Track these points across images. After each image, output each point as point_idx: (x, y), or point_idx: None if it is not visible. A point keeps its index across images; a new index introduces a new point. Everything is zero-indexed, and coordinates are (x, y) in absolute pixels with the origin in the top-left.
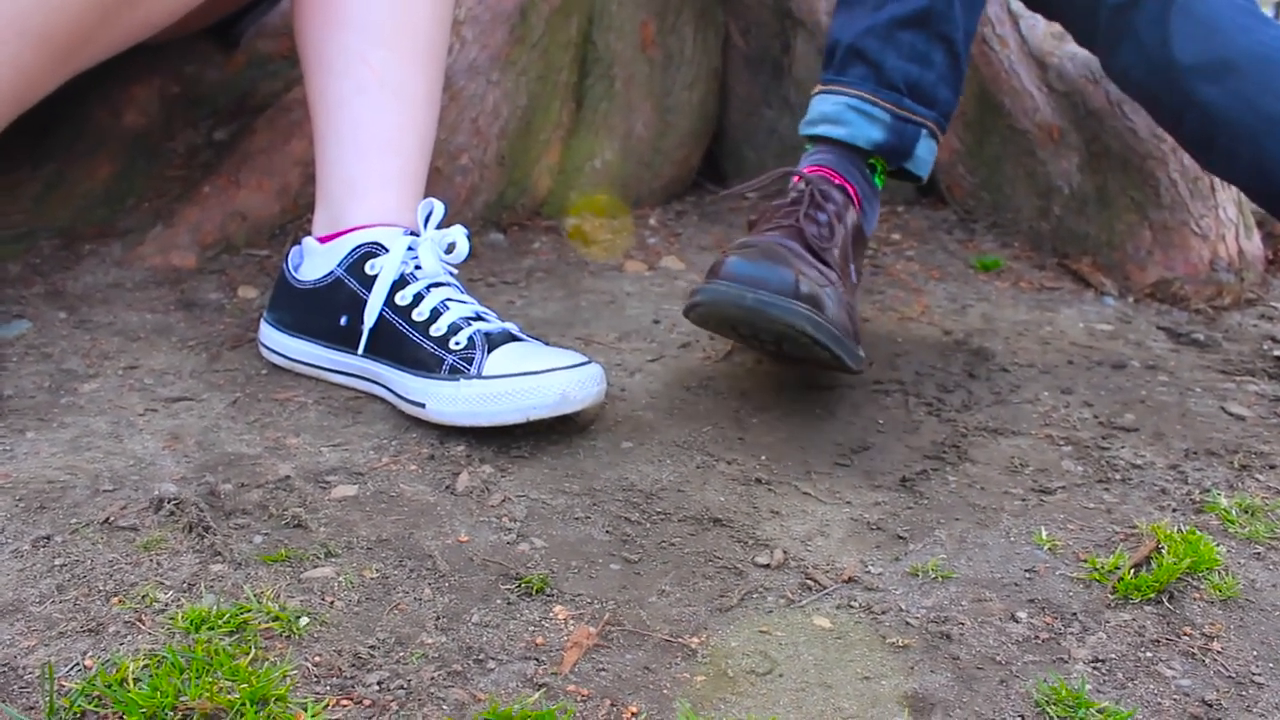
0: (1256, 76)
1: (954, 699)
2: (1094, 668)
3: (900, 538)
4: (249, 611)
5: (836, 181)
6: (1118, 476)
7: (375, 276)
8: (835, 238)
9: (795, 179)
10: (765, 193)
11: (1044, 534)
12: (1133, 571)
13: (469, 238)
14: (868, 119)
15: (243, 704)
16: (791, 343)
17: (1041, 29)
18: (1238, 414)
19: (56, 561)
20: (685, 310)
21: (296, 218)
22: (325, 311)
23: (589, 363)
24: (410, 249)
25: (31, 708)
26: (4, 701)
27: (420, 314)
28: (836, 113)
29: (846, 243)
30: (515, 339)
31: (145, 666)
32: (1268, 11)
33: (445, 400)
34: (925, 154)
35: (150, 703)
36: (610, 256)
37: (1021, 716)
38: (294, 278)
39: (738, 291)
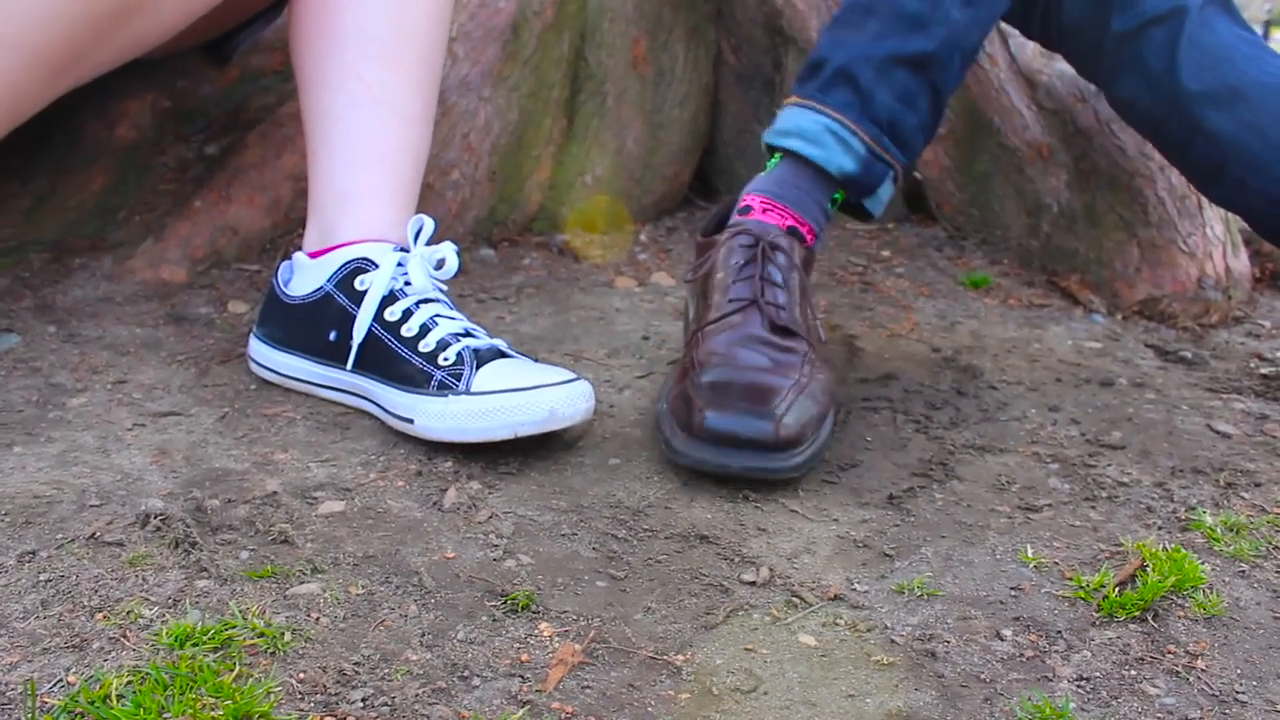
0: (1266, 106)
1: (939, 717)
2: (1078, 686)
3: (886, 555)
4: (234, 628)
5: (787, 223)
6: (1104, 494)
7: (364, 292)
8: (794, 297)
9: (736, 231)
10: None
11: (1030, 552)
12: (1118, 589)
13: (459, 254)
14: (844, 147)
15: None
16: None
17: (1031, 47)
18: (1224, 432)
19: (41, 577)
20: (671, 461)
21: (287, 232)
22: (314, 327)
23: (577, 379)
24: (400, 265)
25: None
26: None
27: (409, 330)
28: (814, 132)
29: (803, 292)
30: (504, 355)
31: (129, 683)
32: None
33: (433, 416)
34: (885, 195)
35: (133, 719)
36: (613, 258)
37: None
38: (284, 293)
39: (721, 460)
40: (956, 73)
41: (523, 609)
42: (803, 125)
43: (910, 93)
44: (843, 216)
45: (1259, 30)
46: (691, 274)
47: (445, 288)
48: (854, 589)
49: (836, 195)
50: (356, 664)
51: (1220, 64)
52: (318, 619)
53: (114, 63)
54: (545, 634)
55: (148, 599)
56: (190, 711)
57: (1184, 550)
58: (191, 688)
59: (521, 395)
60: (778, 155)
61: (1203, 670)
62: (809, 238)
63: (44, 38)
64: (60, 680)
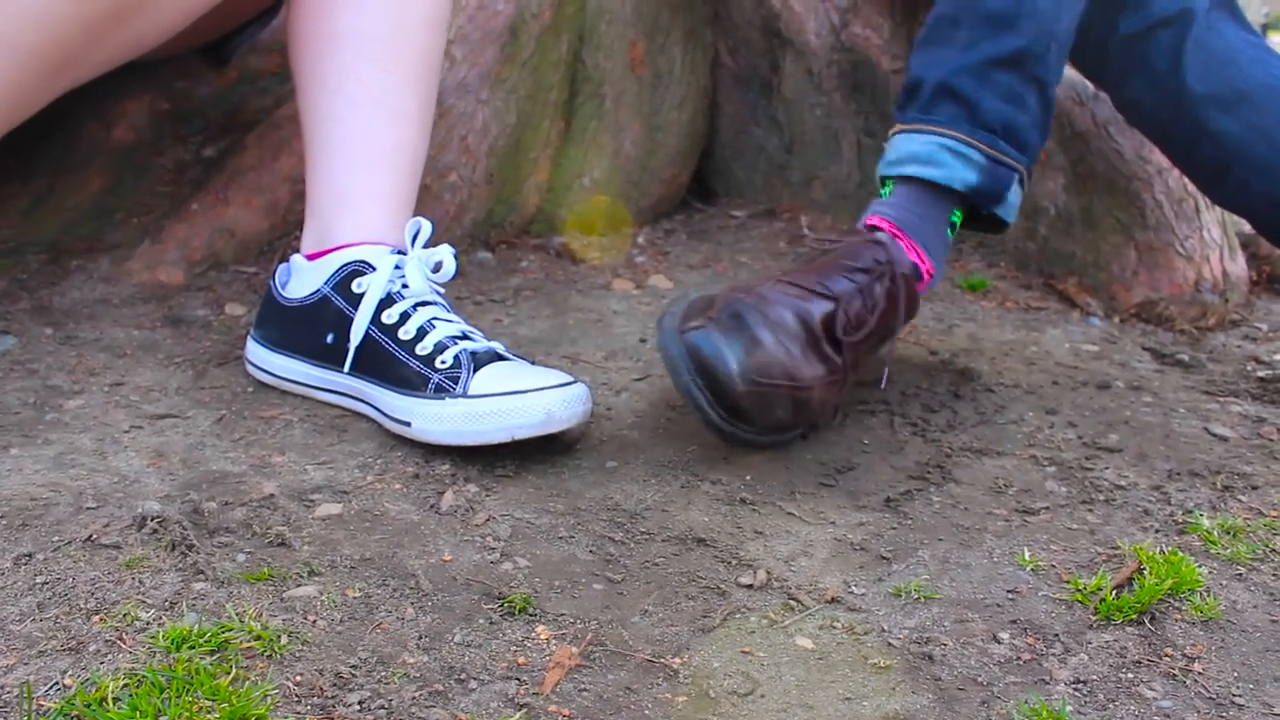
0: (1272, 109)
1: None
2: (1075, 689)
3: (884, 558)
4: (231, 630)
5: (912, 259)
6: (1101, 497)
7: (362, 295)
8: (869, 328)
9: (870, 235)
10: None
11: (1027, 555)
12: (1115, 592)
13: (456, 257)
14: (963, 160)
15: None
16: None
17: None
18: (1221, 435)
19: (38, 579)
20: (659, 319)
21: (285, 234)
22: (312, 329)
23: (574, 382)
24: (397, 267)
25: None
26: None
27: (406, 333)
28: (928, 153)
29: (883, 328)
30: (501, 358)
31: (125, 686)
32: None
33: (430, 419)
34: (1015, 199)
35: None
36: (611, 260)
37: None
38: (281, 295)
39: (676, 365)
40: (1056, 63)
41: (520, 612)
42: (914, 150)
43: (1015, 93)
44: (974, 235)
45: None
46: (815, 246)
47: (443, 290)
48: (851, 592)
49: (954, 217)
50: (353, 667)
51: (1226, 67)
52: (314, 622)
53: (111, 64)
54: (542, 637)
55: (144, 601)
56: (187, 714)
57: (1181, 553)
58: (188, 690)
59: (519, 398)
60: (890, 184)
61: (1199, 673)
62: (926, 277)
63: (40, 39)
64: (56, 683)
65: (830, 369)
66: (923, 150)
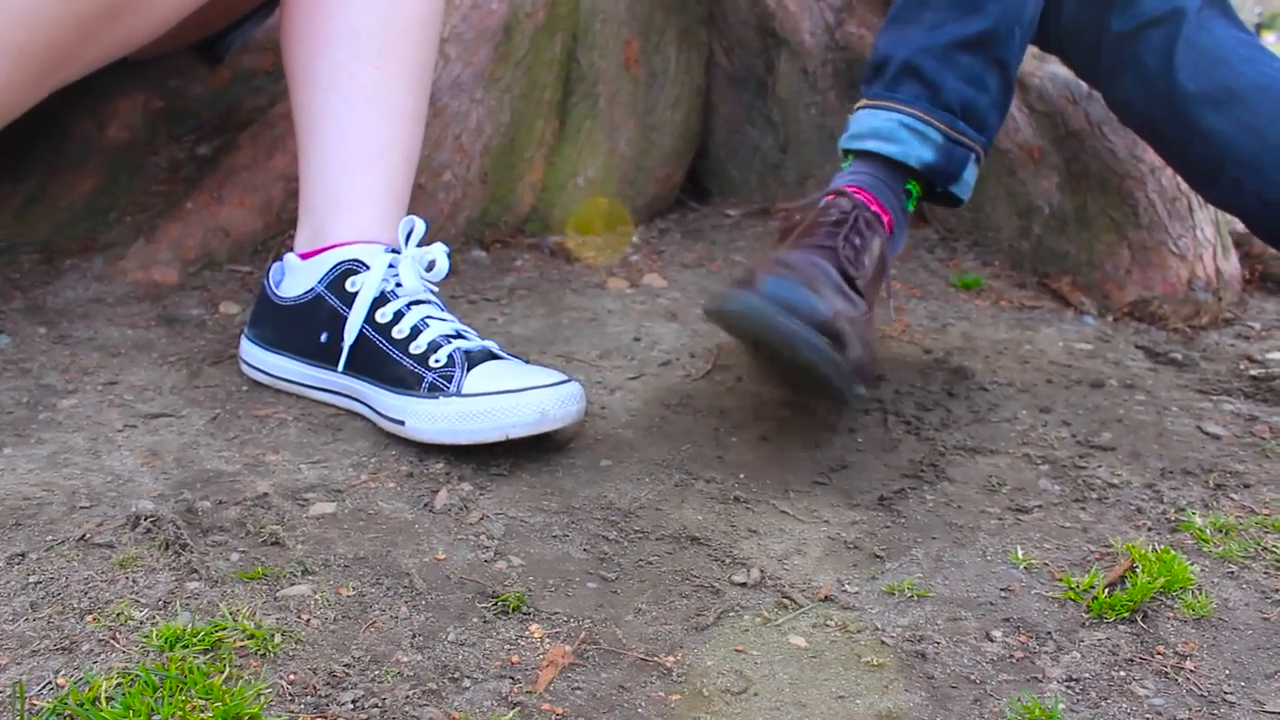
0: (1263, 107)
1: (928, 718)
2: (1068, 687)
3: (877, 556)
4: (224, 629)
5: (874, 209)
6: (1094, 495)
7: (356, 294)
8: (868, 266)
9: (833, 197)
10: (789, 203)
11: (1020, 553)
12: (1107, 591)
13: (449, 255)
14: (920, 138)
15: None
16: (804, 375)
17: None
18: (1214, 433)
19: (31, 579)
20: (708, 310)
21: (279, 233)
22: (306, 328)
23: (568, 381)
24: (391, 266)
25: None
26: None
27: (400, 331)
28: (888, 129)
29: (875, 271)
30: (495, 357)
31: (118, 685)
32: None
33: (424, 418)
34: (970, 178)
35: None
36: (605, 259)
37: None
38: (275, 294)
39: (772, 314)
40: (1019, 46)
41: (513, 610)
42: (876, 125)
43: (977, 74)
44: (931, 209)
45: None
46: (782, 224)
47: (436, 289)
48: (844, 590)
49: (911, 187)
50: (347, 665)
51: (1217, 65)
52: (308, 621)
53: (102, 61)
54: (536, 635)
55: (138, 601)
56: (180, 714)
57: (1173, 551)
58: (181, 690)
59: (512, 397)
60: (850, 158)
61: (1191, 671)
62: (888, 229)
63: (31, 37)
64: (49, 682)
65: (862, 309)
66: (883, 126)
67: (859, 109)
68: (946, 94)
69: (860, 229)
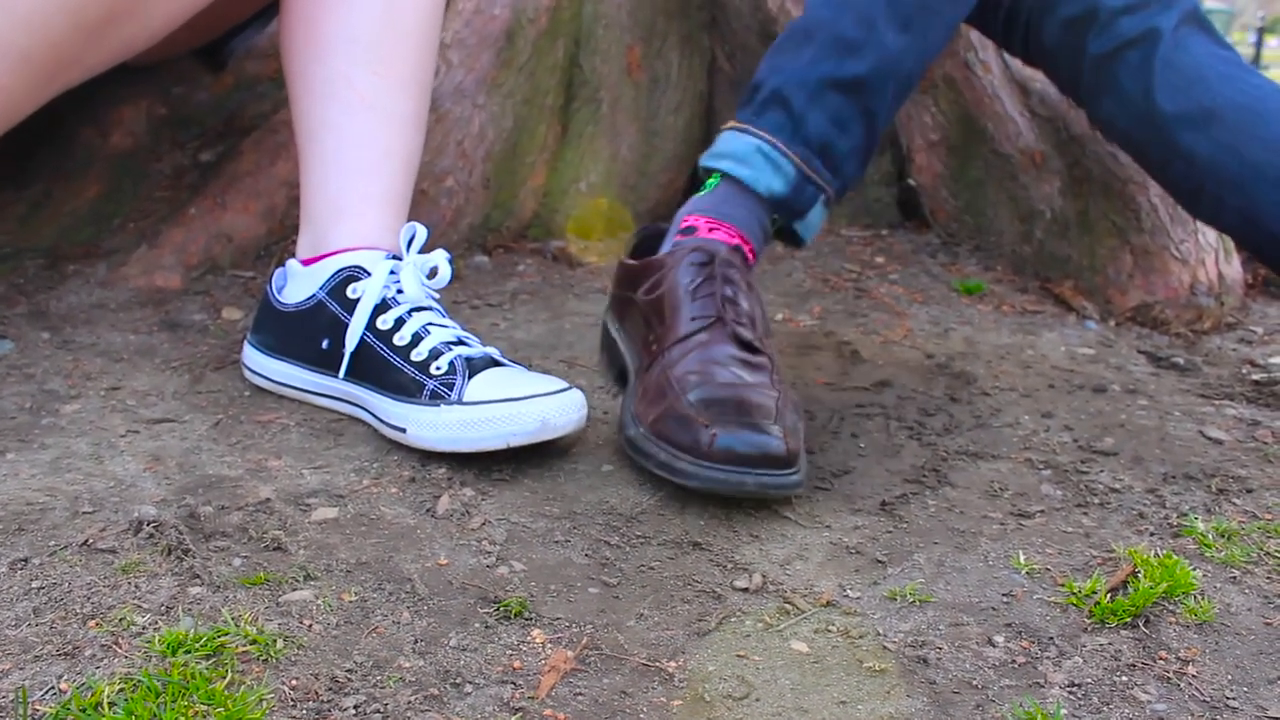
0: (1240, 125)
1: None
2: (1070, 692)
3: (879, 562)
4: (226, 635)
5: (734, 241)
6: (1096, 500)
7: (357, 300)
8: (754, 316)
9: (685, 241)
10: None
11: (1022, 558)
12: (1109, 596)
13: (451, 262)
14: (773, 168)
15: None
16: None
17: None
18: (1216, 438)
19: (34, 584)
20: (669, 477)
21: (282, 239)
22: (307, 334)
23: (570, 389)
24: (392, 273)
25: None
26: None
27: (401, 338)
28: (745, 153)
29: (760, 309)
30: (497, 364)
31: (121, 690)
32: (1248, 38)
33: (426, 426)
34: (815, 220)
35: None
36: (608, 264)
37: None
38: (277, 300)
39: (737, 479)
40: (890, 99)
41: (515, 616)
42: (734, 148)
43: (843, 117)
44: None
45: (1252, 37)
46: (644, 294)
47: (438, 296)
48: (846, 595)
49: (776, 215)
50: (349, 671)
51: (1194, 85)
52: (310, 626)
53: (105, 65)
54: (537, 641)
55: (140, 606)
56: (182, 719)
57: (1176, 556)
58: (184, 695)
59: (514, 405)
60: (716, 176)
61: (1194, 676)
62: (750, 257)
63: (32, 41)
64: (52, 688)
65: (769, 371)
66: (741, 149)
67: (725, 129)
68: (809, 129)
69: (728, 276)
